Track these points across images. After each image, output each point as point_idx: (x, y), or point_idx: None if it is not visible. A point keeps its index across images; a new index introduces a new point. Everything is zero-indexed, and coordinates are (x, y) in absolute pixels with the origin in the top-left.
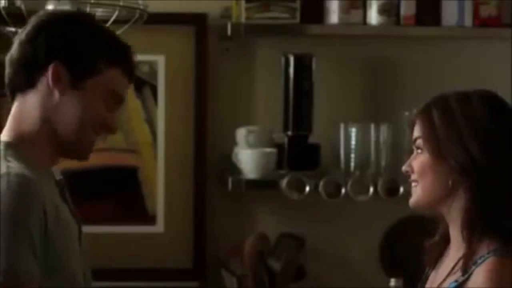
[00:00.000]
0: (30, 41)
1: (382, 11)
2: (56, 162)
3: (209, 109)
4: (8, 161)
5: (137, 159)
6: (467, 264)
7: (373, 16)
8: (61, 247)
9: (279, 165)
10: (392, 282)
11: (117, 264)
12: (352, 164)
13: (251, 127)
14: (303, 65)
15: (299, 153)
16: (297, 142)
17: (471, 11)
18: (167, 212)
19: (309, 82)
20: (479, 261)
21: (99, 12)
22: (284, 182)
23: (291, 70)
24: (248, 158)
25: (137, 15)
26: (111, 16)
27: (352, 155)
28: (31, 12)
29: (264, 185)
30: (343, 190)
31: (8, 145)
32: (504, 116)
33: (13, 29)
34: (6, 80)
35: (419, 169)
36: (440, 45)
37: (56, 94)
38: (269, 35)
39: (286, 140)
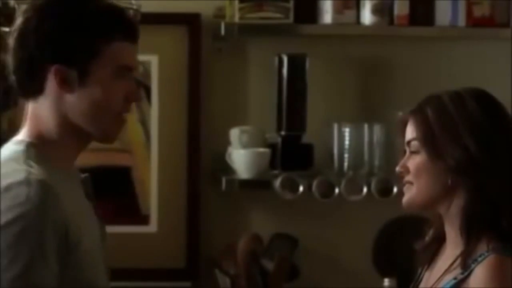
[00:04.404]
0: (22, 47)
1: (375, 11)
2: (78, 154)
3: (202, 109)
4: (30, 166)
5: (131, 159)
6: (466, 261)
7: (367, 16)
8: (83, 257)
9: (272, 165)
10: (386, 282)
11: (110, 264)
12: (346, 164)
13: (245, 127)
14: (297, 65)
15: (292, 153)
16: (290, 142)
17: (464, 11)
18: (160, 212)
19: (303, 82)
20: (479, 258)
21: None
22: (277, 182)
23: (285, 70)
24: (241, 158)
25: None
26: None
27: (346, 155)
28: None
29: (257, 185)
30: (336, 190)
31: (30, 145)
32: (497, 113)
33: (7, 29)
34: (14, 87)
35: (415, 171)
36: (433, 45)
37: (66, 95)
38: (263, 35)
39: (279, 140)
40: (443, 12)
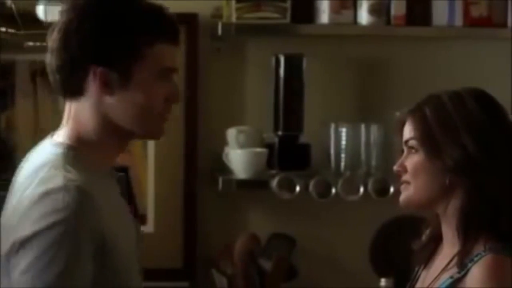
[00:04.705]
0: (64, 48)
1: (372, 11)
2: (119, 153)
3: (199, 109)
4: (68, 171)
5: (128, 159)
6: (463, 260)
7: (364, 16)
8: (119, 259)
9: (269, 165)
10: (383, 282)
11: None
12: (343, 164)
13: (242, 127)
14: (294, 65)
15: (289, 153)
16: (287, 142)
17: (461, 11)
18: (157, 211)
19: (300, 82)
20: (476, 258)
21: None
22: (274, 182)
23: (282, 70)
24: (238, 158)
25: None
26: None
27: (343, 155)
28: (21, 12)
29: (254, 185)
30: (333, 190)
31: (69, 148)
32: (496, 112)
33: (3, 29)
34: (54, 87)
35: (413, 170)
36: (430, 45)
37: (107, 97)
38: (260, 35)
39: (276, 140)
40: (440, 12)
